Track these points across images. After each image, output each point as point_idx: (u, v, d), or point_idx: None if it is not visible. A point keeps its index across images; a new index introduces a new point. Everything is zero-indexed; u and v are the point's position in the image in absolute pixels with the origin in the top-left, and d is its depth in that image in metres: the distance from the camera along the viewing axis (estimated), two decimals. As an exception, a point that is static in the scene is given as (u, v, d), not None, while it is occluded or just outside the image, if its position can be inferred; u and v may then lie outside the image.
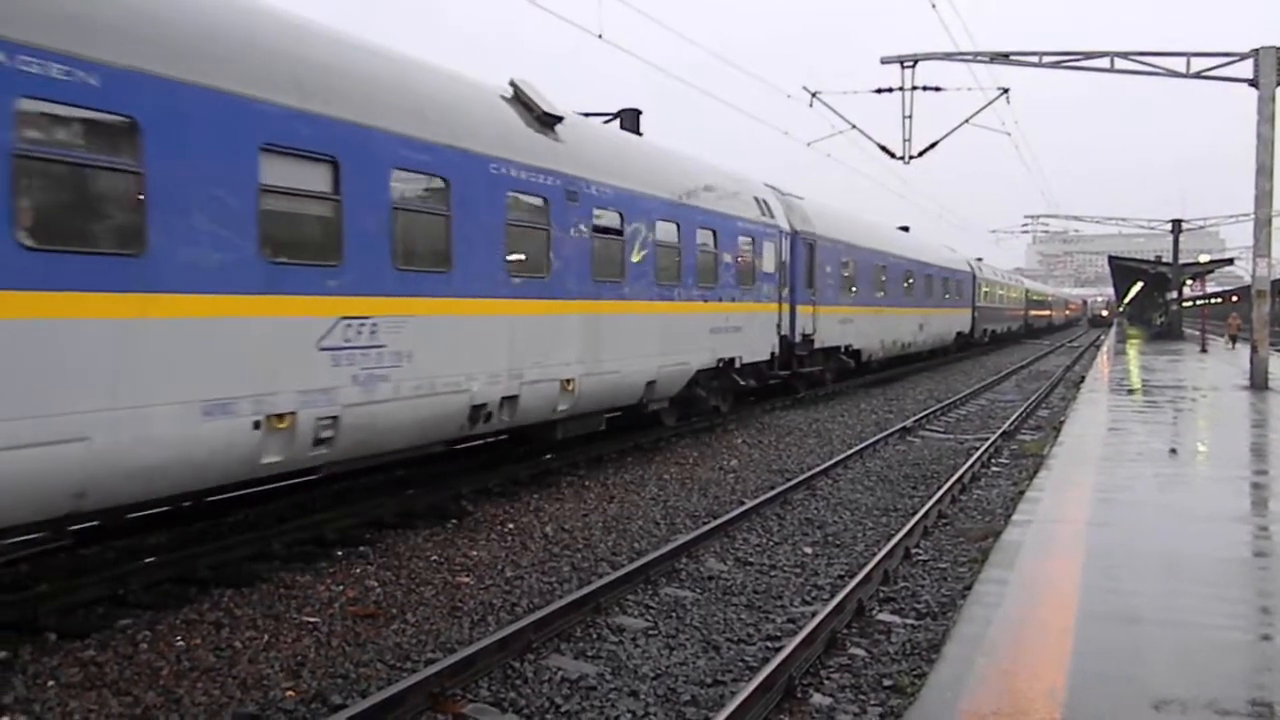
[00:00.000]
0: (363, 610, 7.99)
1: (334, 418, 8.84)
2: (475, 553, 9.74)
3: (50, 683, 6.37)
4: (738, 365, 18.19)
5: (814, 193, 27.77)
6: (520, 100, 12.41)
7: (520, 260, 11.75)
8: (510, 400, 11.47)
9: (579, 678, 6.71)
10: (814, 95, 24.79)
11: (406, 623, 7.73)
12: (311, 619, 7.73)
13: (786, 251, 21.07)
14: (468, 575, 9.02)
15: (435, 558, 9.51)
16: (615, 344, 13.64)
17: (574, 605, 7.80)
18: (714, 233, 17.20)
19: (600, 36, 16.54)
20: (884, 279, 30.21)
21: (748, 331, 18.60)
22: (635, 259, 14.31)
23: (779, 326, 20.44)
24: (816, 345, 23.39)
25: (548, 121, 12.59)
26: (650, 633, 7.67)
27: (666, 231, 15.46)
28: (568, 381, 12.51)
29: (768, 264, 19.82)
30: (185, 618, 7.63)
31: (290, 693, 6.35)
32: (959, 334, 42.56)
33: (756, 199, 19.79)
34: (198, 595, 8.16)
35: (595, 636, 7.54)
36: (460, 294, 10.55)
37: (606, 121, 18.18)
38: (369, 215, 9.34)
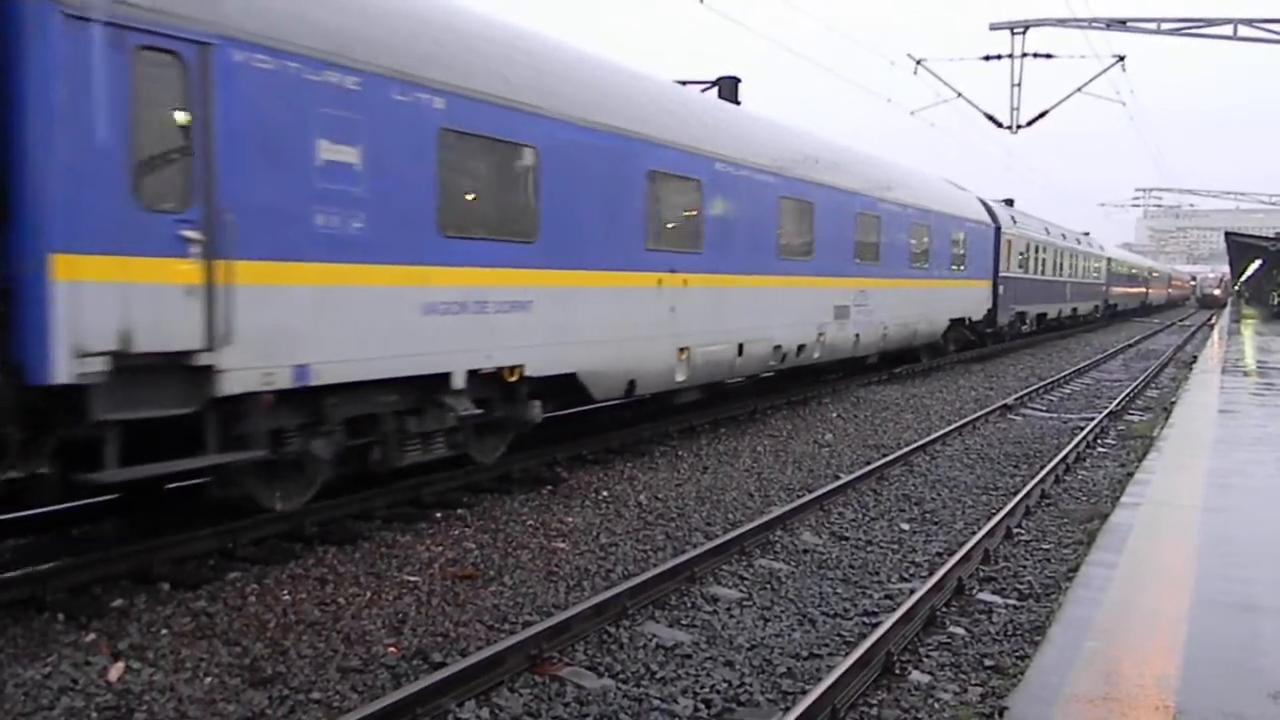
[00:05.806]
0: (461, 571, 8.12)
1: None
2: (570, 519, 9.82)
3: (164, 631, 6.63)
4: None
5: (916, 163, 26.31)
6: None
7: None
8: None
9: (674, 645, 6.72)
10: (919, 62, 24.20)
11: (504, 585, 7.84)
12: (412, 578, 7.89)
13: None
14: (563, 540, 9.10)
15: (531, 522, 9.62)
16: None
17: (669, 574, 7.82)
18: None
19: (702, 2, 16.35)
20: (694, 206, 13.74)
21: None
22: None
23: None
24: (238, 387, 7.49)
25: None
26: (745, 604, 7.65)
27: None
28: None
29: None
30: (291, 573, 7.86)
31: (392, 649, 6.50)
32: (958, 322, 26.57)
33: None
34: (303, 551, 8.40)
35: (690, 605, 7.55)
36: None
37: (704, 90, 17.42)
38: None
